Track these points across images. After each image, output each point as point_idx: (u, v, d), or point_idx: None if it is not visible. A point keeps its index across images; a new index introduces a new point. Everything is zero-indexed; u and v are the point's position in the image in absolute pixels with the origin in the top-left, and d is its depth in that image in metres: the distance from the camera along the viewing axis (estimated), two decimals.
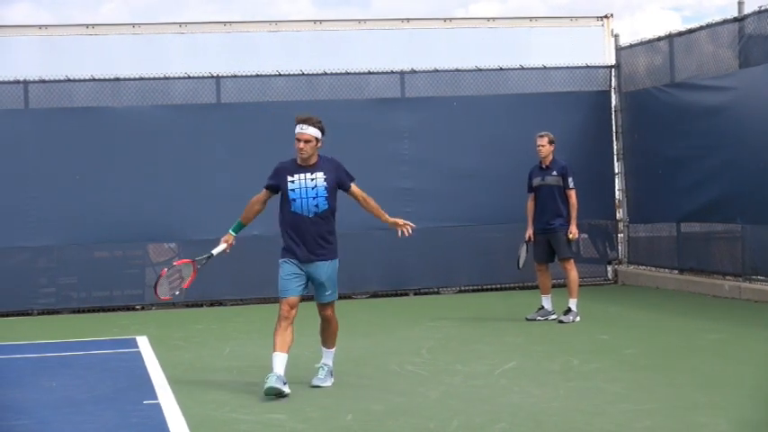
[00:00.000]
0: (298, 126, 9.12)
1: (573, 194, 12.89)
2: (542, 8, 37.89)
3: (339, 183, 9.19)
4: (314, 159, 9.14)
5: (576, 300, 12.89)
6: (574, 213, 12.88)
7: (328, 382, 9.26)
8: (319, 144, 9.12)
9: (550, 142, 13.00)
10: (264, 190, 9.31)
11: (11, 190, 15.39)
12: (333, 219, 9.20)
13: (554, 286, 13.22)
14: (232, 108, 16.03)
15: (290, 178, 9.12)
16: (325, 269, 9.14)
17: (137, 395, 9.01)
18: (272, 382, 8.71)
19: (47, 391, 9.44)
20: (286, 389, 8.78)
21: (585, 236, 17.38)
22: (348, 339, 12.07)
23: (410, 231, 9.38)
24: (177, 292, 9.72)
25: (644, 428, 7.43)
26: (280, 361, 8.88)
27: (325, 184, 9.09)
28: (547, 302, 13.05)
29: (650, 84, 16.53)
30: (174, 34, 16.55)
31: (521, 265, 13.19)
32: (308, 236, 9.07)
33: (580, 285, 13.18)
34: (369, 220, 14.68)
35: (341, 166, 9.24)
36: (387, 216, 9.40)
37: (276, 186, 9.21)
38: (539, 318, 12.95)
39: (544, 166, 12.99)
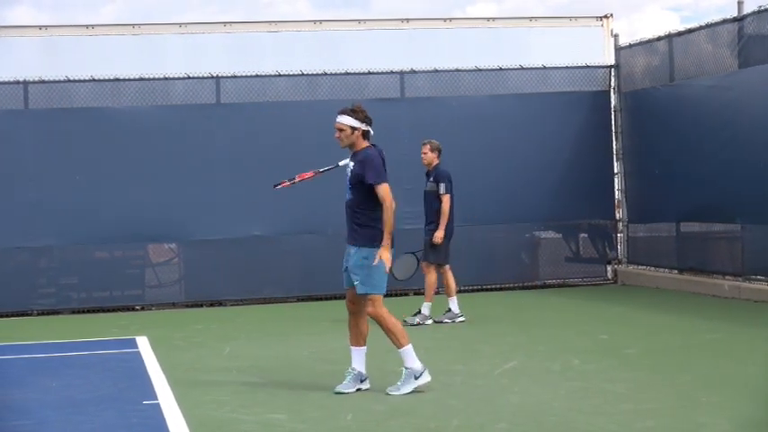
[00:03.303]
0: None
1: (445, 200, 12.93)
2: (540, 9, 37.94)
3: (361, 177, 8.80)
4: (356, 148, 8.90)
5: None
6: (442, 219, 12.93)
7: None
8: (354, 133, 8.85)
9: (433, 150, 13.14)
10: None
11: (10, 190, 15.39)
12: (361, 210, 8.79)
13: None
14: (232, 108, 16.04)
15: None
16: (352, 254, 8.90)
17: (136, 395, 9.01)
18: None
19: (47, 391, 9.44)
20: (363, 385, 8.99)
21: (585, 235, 17.41)
22: (347, 339, 12.08)
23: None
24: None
25: (645, 428, 7.42)
26: (353, 355, 9.05)
27: (349, 174, 8.92)
28: (426, 309, 13.11)
29: (649, 84, 16.53)
30: (174, 35, 16.56)
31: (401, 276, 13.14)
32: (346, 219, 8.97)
33: (579, 285, 13.19)
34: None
35: (368, 160, 8.79)
36: (387, 238, 8.74)
37: None
38: (417, 321, 12.96)
39: (428, 173, 13.15)
